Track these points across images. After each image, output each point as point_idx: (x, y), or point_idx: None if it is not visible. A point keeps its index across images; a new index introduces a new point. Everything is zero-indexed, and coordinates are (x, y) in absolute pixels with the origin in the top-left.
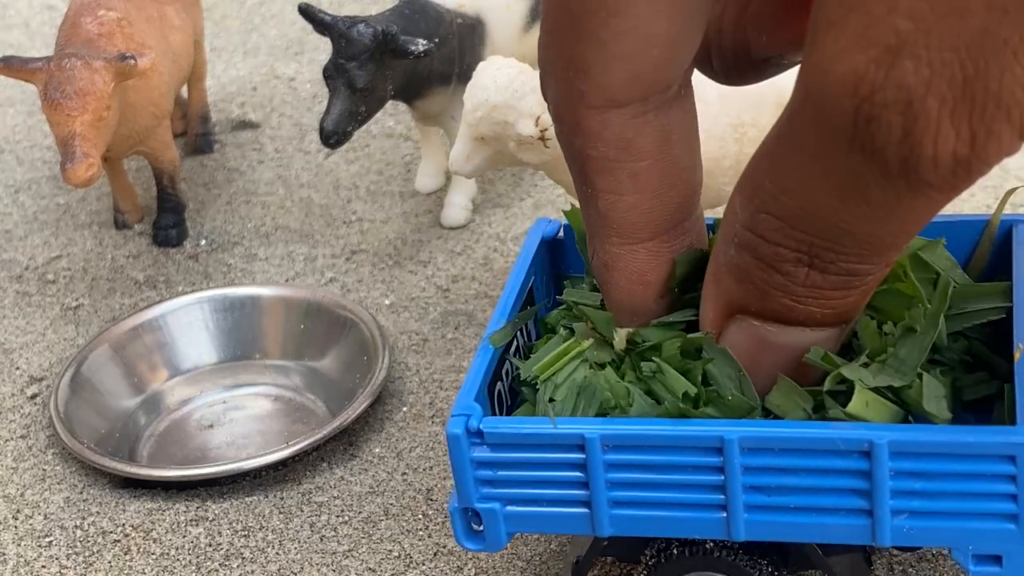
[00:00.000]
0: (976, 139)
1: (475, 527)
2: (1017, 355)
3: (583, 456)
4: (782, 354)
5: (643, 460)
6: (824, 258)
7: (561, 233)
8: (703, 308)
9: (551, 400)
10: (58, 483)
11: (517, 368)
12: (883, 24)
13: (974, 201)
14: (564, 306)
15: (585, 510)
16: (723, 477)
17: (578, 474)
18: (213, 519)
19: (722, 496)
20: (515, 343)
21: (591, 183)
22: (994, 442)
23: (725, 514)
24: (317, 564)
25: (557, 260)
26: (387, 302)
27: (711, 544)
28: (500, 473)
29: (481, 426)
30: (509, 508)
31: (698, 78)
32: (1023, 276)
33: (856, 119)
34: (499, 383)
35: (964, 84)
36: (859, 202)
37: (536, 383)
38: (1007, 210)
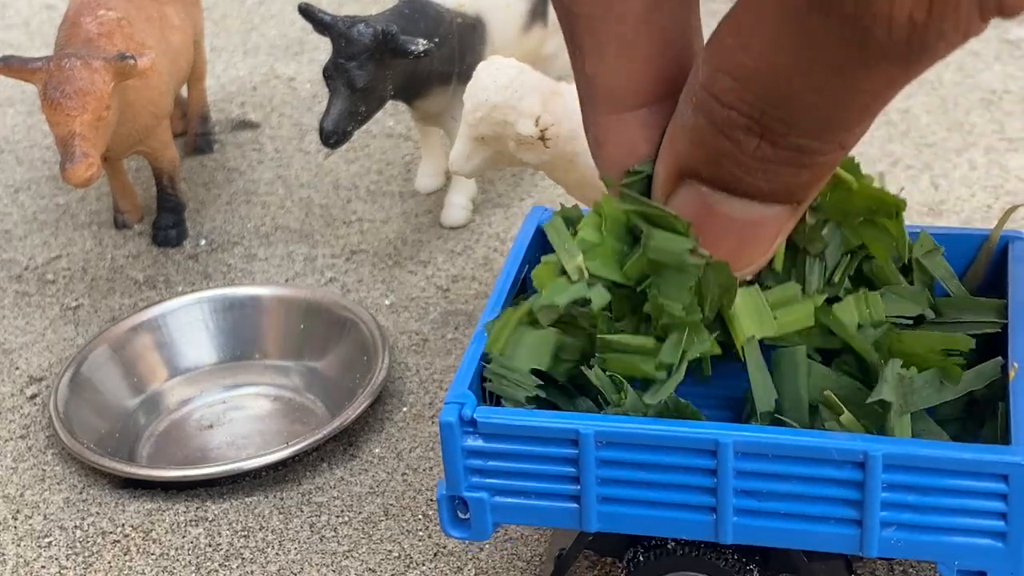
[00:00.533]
0: (934, 3)
1: (461, 515)
2: (1012, 374)
3: (576, 451)
4: (727, 224)
5: (636, 459)
6: (775, 129)
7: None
8: (656, 169)
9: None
10: (58, 483)
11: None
12: None
13: (975, 201)
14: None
15: (574, 505)
16: (715, 480)
17: (569, 469)
18: (213, 519)
19: (712, 499)
20: None
21: (578, 44)
22: (988, 460)
23: (714, 516)
24: (317, 564)
25: (551, 250)
26: (387, 302)
27: (682, 544)
28: (490, 463)
29: (475, 415)
30: (497, 498)
31: None
32: (1019, 294)
33: None
34: None
35: None
36: (813, 68)
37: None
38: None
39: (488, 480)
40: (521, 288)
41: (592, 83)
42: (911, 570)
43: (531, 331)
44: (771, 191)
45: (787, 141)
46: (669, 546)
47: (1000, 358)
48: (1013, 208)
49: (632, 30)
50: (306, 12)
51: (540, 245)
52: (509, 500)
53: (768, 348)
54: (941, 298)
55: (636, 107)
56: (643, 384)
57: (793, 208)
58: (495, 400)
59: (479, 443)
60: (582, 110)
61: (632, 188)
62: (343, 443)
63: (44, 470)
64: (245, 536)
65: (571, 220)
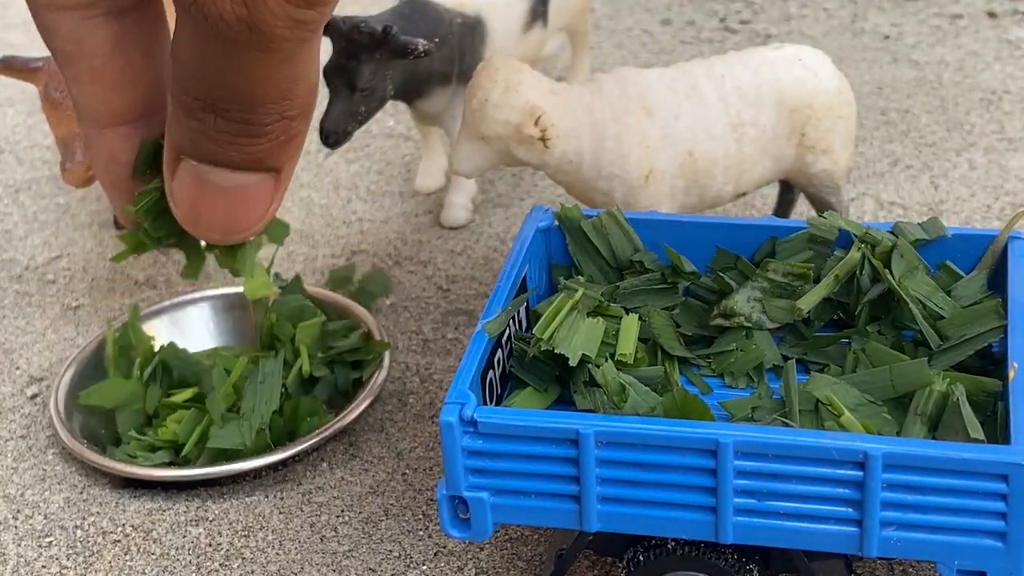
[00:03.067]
0: (248, 2)
1: (461, 515)
2: (1012, 374)
3: (576, 451)
4: (217, 191)
5: (636, 458)
6: (219, 106)
7: (555, 222)
8: (164, 154)
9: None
10: (58, 483)
11: (510, 354)
12: None
13: (975, 201)
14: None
15: (574, 505)
16: (715, 480)
17: (569, 469)
18: (213, 519)
19: (712, 499)
20: (506, 332)
21: (63, 71)
22: (988, 460)
23: (714, 516)
24: (317, 564)
25: (551, 249)
26: (387, 302)
27: (682, 544)
28: (491, 463)
29: (475, 415)
30: (497, 498)
31: (698, 78)
32: (1018, 293)
33: None
34: (491, 371)
35: None
36: (209, 56)
37: (551, 346)
38: (987, 223)
39: (488, 480)
40: (521, 288)
41: (77, 102)
42: (911, 570)
43: (583, 320)
44: (243, 161)
45: (233, 115)
46: (669, 546)
47: (995, 300)
48: (1020, 214)
49: (102, 64)
50: None
51: (540, 245)
52: (509, 500)
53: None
54: (939, 321)
55: (115, 124)
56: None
57: (274, 176)
58: (500, 391)
59: (479, 443)
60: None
61: (145, 205)
62: (343, 443)
63: (45, 470)
64: (245, 536)
65: (571, 220)
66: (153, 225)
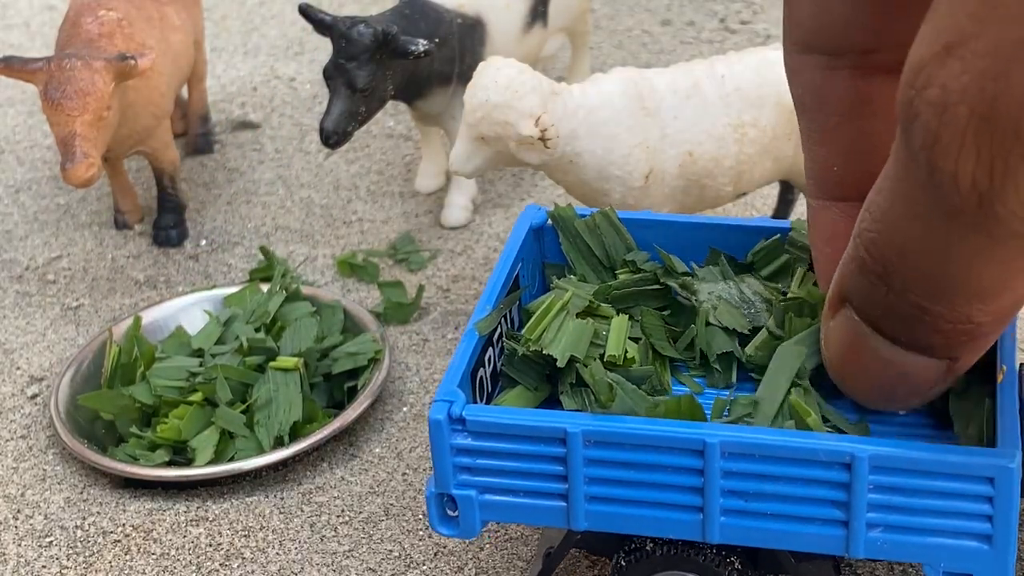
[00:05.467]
0: (995, 170)
1: (450, 513)
2: (1000, 375)
3: (564, 450)
4: (874, 358)
5: (624, 458)
6: (895, 284)
7: (549, 221)
8: (830, 287)
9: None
10: (58, 483)
11: (501, 352)
12: (952, 18)
13: None
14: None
15: (562, 503)
16: (702, 480)
17: (557, 467)
18: (213, 519)
19: (699, 498)
20: (498, 330)
21: (799, 121)
22: (974, 462)
23: (701, 516)
24: (317, 564)
25: (545, 248)
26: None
27: (682, 544)
28: (479, 461)
29: (464, 413)
30: (485, 496)
31: (698, 78)
32: None
33: (908, 113)
34: (481, 370)
35: (993, 100)
36: (909, 217)
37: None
38: None
39: (476, 478)
40: (514, 286)
41: (805, 162)
42: (911, 570)
43: (571, 320)
44: (912, 341)
45: (906, 298)
46: (648, 548)
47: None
48: None
49: (836, 124)
50: (306, 13)
51: (533, 244)
52: (497, 498)
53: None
54: None
55: (840, 198)
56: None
57: (945, 363)
58: (491, 389)
59: (468, 441)
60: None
61: None
62: (343, 443)
63: (45, 470)
64: (246, 536)
65: (565, 219)
66: None
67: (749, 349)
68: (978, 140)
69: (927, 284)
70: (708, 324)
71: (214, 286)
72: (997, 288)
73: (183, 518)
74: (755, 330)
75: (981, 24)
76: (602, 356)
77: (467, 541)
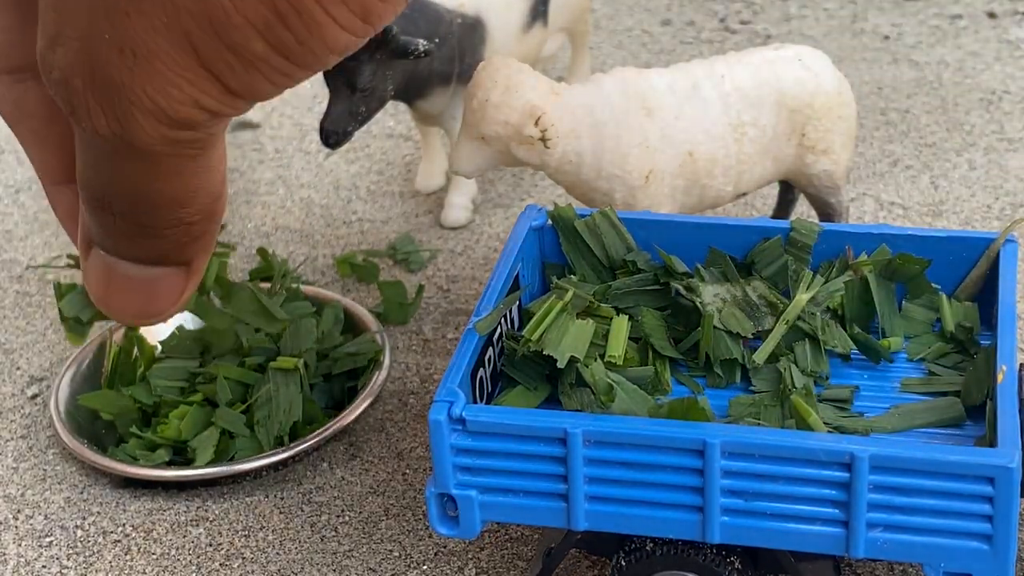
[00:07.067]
0: (117, 116)
1: (450, 513)
2: (1000, 375)
3: (564, 450)
4: (128, 283)
5: (624, 458)
6: (115, 208)
7: (549, 221)
8: (79, 239)
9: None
10: (59, 483)
11: (501, 352)
12: (45, 24)
13: (975, 201)
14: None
15: (562, 503)
16: (702, 480)
17: (557, 467)
18: (214, 519)
19: (700, 498)
20: (498, 330)
21: (13, 132)
22: (974, 463)
23: (701, 516)
24: (318, 564)
25: (545, 248)
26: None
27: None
28: (479, 461)
29: (464, 413)
30: (485, 496)
31: (698, 78)
32: (1008, 297)
33: (55, 96)
34: (481, 370)
35: (90, 69)
36: (93, 159)
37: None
38: (984, 226)
39: (476, 478)
40: (514, 286)
41: (32, 162)
42: (911, 570)
43: (573, 321)
44: (147, 257)
45: (129, 218)
46: (648, 547)
47: (972, 304)
48: (1017, 221)
49: (38, 126)
50: None
51: (533, 244)
52: (497, 498)
53: None
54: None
55: (70, 181)
56: None
57: (184, 268)
58: (491, 389)
59: (468, 441)
60: None
61: None
62: (343, 443)
63: (45, 470)
64: (246, 536)
65: (565, 219)
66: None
67: (758, 356)
68: (96, 99)
69: (136, 205)
70: (714, 328)
71: None
72: (186, 192)
73: (183, 518)
74: (758, 334)
75: (62, 23)
76: (602, 356)
77: (467, 541)
